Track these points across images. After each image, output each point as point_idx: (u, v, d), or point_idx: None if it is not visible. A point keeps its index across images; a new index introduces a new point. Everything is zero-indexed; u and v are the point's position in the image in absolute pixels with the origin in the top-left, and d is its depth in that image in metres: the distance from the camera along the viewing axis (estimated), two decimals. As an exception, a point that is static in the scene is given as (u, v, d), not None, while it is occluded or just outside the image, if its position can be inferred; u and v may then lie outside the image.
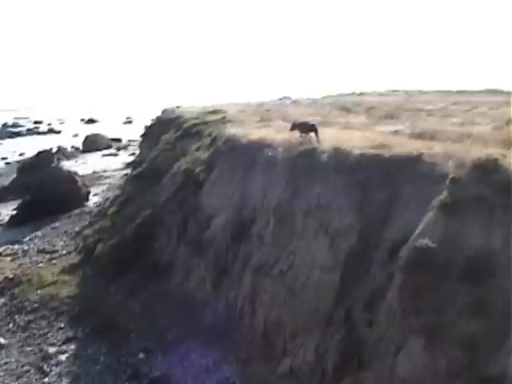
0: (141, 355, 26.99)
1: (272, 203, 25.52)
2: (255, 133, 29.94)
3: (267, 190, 26.56)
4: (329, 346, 20.38)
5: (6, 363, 28.19)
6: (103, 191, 66.60)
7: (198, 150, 37.52)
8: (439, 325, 15.77)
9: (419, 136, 24.95)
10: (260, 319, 24.34)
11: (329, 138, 25.78)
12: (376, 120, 34.67)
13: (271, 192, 26.13)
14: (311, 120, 29.44)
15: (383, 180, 20.79)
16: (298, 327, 22.35)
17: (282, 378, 22.38)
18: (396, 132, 27.47)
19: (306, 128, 27.33)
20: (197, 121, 45.29)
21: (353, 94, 76.95)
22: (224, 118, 43.17)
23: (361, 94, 75.12)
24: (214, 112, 49.41)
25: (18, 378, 26.89)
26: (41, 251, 43.20)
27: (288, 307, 22.97)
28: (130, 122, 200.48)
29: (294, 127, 28.07)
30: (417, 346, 16.27)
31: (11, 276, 37.10)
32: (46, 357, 28.05)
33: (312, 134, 26.95)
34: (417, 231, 17.52)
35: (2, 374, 27.34)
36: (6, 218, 54.70)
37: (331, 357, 20.08)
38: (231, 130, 34.91)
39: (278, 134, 29.62)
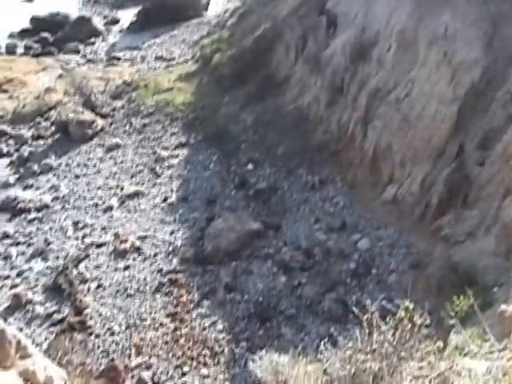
0: (249, 166, 27.86)
1: (396, 28, 24.37)
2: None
3: (392, 14, 25.26)
4: (436, 179, 20.31)
5: (121, 162, 29.99)
6: (223, 2, 65.26)
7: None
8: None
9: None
10: (370, 144, 24.27)
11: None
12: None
13: (396, 16, 24.85)
14: None
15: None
16: (407, 157, 22.27)
17: (385, 205, 22.75)
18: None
19: None
20: None
21: None
22: None
23: None
24: None
25: (132, 177, 28.72)
26: (158, 58, 43.60)
27: (400, 135, 22.77)
28: None
29: None
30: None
31: (129, 80, 37.96)
32: (159, 159, 29.49)
33: None
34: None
35: (118, 171, 29.24)
36: (126, 24, 54.95)
37: (437, 190, 20.08)
38: None
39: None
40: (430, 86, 21.67)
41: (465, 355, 5.30)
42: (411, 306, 5.28)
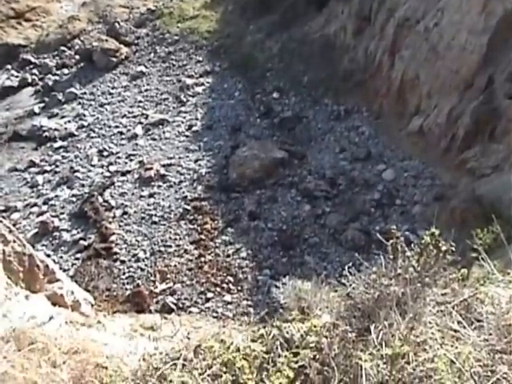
0: (275, 94, 27.63)
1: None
2: None
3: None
4: (464, 111, 19.99)
5: (146, 90, 29.92)
6: None
7: None
8: None
9: None
10: (398, 74, 23.87)
11: None
12: None
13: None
14: None
15: None
16: (434, 88, 21.90)
17: (411, 136, 22.56)
18: None
19: None
20: None
21: None
22: None
23: None
24: None
25: (156, 105, 28.72)
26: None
27: (428, 66, 22.34)
28: None
29: None
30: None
31: (153, 8, 37.34)
32: (184, 87, 29.31)
33: None
34: None
35: (142, 99, 29.20)
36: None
37: (464, 122, 19.81)
38: None
39: None
40: (461, 16, 21.06)
41: (488, 283, 5.32)
42: (437, 233, 5.30)
